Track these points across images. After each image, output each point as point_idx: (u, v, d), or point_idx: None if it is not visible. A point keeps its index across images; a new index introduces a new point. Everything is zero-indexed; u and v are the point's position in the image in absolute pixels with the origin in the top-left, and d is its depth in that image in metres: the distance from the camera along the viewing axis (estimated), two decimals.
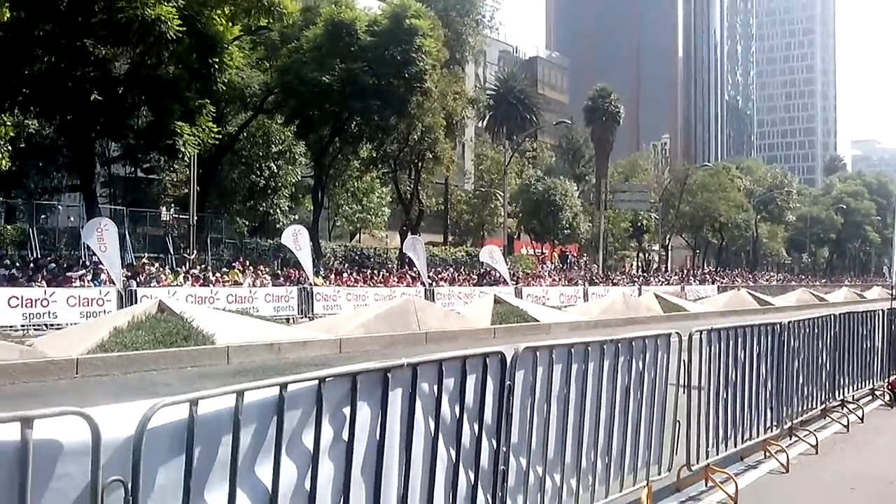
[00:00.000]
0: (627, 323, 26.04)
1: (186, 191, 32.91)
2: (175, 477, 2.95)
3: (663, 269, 71.25)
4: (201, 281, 25.62)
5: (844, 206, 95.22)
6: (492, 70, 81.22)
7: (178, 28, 22.29)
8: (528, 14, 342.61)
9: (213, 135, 26.59)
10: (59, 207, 35.49)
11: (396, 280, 33.34)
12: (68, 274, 23.13)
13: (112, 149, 33.36)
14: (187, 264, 28.57)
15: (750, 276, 73.62)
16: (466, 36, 52.83)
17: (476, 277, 39.17)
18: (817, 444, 8.77)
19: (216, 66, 25.32)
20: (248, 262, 31.19)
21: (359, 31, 32.60)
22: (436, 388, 4.16)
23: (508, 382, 4.65)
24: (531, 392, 4.91)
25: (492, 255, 35.98)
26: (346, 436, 3.64)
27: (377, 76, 32.46)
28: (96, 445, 2.63)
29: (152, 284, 23.59)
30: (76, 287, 21.65)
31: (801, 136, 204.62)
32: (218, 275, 27.24)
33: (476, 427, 4.47)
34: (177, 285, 24.15)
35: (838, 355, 10.07)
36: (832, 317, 9.98)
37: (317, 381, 3.47)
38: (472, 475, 4.46)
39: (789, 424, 8.69)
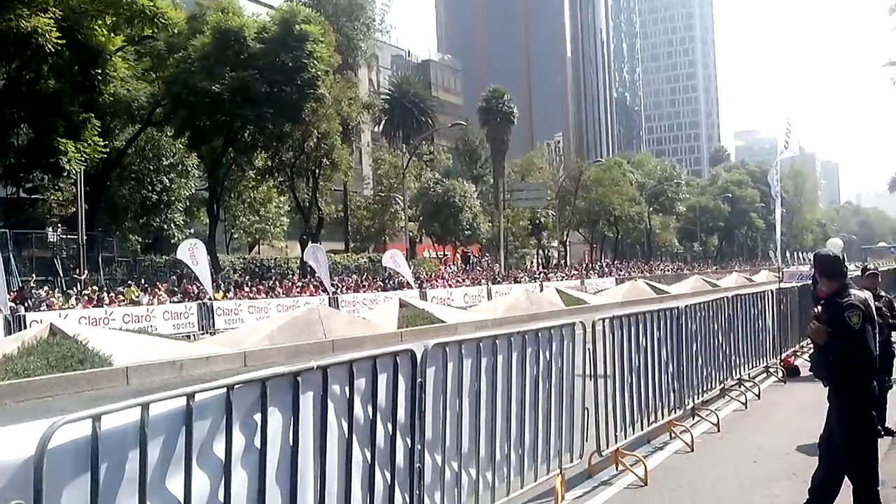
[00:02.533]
0: (531, 319, 26.42)
1: (74, 209, 31.62)
2: (81, 497, 2.82)
3: (563, 265, 72.65)
4: (94, 302, 24.69)
5: (730, 195, 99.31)
6: (385, 74, 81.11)
7: (56, 40, 21.50)
8: (419, 17, 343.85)
9: (99, 150, 25.72)
10: None
11: (299, 290, 32.91)
12: None
13: None
14: (78, 286, 27.48)
15: (646, 266, 75.77)
16: (357, 40, 52.73)
17: (381, 283, 39.05)
18: (718, 422, 9.12)
19: (99, 78, 24.55)
20: (143, 280, 30.22)
21: (248, 39, 32.04)
22: (347, 389, 4.13)
23: (420, 380, 4.65)
24: (443, 388, 4.93)
25: (394, 259, 35.94)
26: (258, 443, 3.57)
27: (269, 83, 31.96)
28: None
29: (42, 308, 22.58)
30: None
31: (687, 130, 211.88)
32: (112, 294, 26.30)
33: (390, 426, 4.46)
34: (68, 308, 23.19)
35: (733, 336, 10.49)
36: (725, 299, 10.40)
37: (225, 389, 3.39)
38: (388, 475, 4.44)
39: (692, 405, 9.00)
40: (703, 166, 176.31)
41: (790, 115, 15.15)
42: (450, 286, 41.18)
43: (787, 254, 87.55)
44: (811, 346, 7.38)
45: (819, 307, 5.66)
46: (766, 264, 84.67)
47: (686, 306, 8.83)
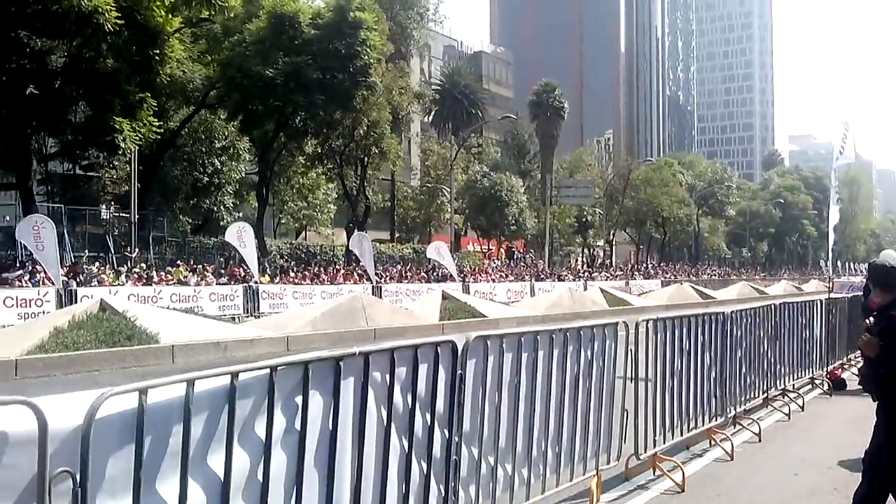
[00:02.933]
0: (574, 317, 26.28)
1: (127, 188, 32.26)
2: (125, 468, 2.88)
3: (608, 264, 72.10)
4: (144, 280, 25.15)
5: (782, 201, 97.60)
6: (437, 65, 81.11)
7: (116, 19, 21.85)
8: (472, 8, 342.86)
9: (154, 130, 26.12)
10: None
11: (343, 277, 33.17)
12: (4, 275, 22.50)
13: (49, 145, 32.49)
14: (129, 263, 28.01)
15: (692, 270, 74.93)
16: (411, 29, 52.80)
17: (424, 274, 39.15)
18: (760, 432, 8.97)
19: (156, 59, 24.90)
20: (191, 261, 30.71)
21: (302, 24, 32.27)
22: (388, 377, 4.15)
23: (460, 371, 4.65)
24: (482, 381, 4.93)
25: (439, 251, 36.01)
26: (298, 425, 3.61)
27: (322, 70, 32.17)
28: (43, 435, 2.56)
29: (93, 284, 23.08)
30: (13, 288, 21.05)
31: (741, 132, 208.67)
32: (162, 274, 26.76)
33: (428, 416, 4.47)
34: (118, 285, 23.67)
35: (779, 345, 10.31)
36: (772, 307, 10.21)
37: (268, 370, 3.43)
38: (424, 465, 4.45)
39: (733, 413, 8.87)
40: (756, 170, 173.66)
41: (847, 120, 14.74)
42: (493, 281, 41.17)
43: (839, 264, 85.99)
44: (859, 358, 7.24)
45: (870, 318, 5.52)
46: (816, 273, 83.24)
47: (732, 312, 8.70)
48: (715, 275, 75.41)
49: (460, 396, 4.67)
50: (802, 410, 10.68)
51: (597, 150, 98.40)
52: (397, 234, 56.13)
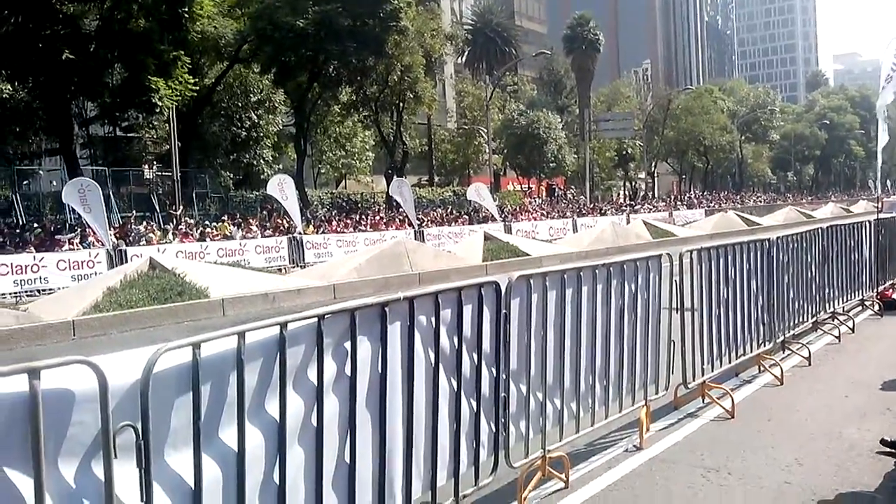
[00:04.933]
0: (618, 252, 26.11)
1: (168, 147, 32.55)
2: (185, 419, 3.00)
3: (650, 197, 71.33)
4: (190, 237, 25.54)
5: (828, 122, 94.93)
6: (467, 4, 79.86)
7: None
8: None
9: (189, 87, 26.25)
10: (41, 172, 35.09)
11: (385, 224, 33.29)
12: (56, 237, 23.00)
13: (89, 109, 32.86)
14: (174, 221, 28.43)
15: (737, 197, 73.84)
16: None
17: (465, 216, 39.15)
18: (810, 356, 8.93)
19: (187, 16, 24.87)
20: (236, 215, 31.06)
21: None
22: (433, 319, 4.22)
23: (504, 311, 4.70)
24: (527, 319, 4.98)
25: (479, 192, 35.89)
26: (348, 371, 3.70)
27: (352, 17, 31.88)
28: (104, 392, 2.66)
29: (141, 243, 23.48)
30: (65, 251, 21.53)
31: (783, 54, 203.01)
32: (207, 230, 27.14)
33: (475, 356, 4.54)
34: (166, 242, 24.06)
35: (827, 268, 10.19)
36: (819, 230, 10.06)
37: (316, 319, 3.51)
38: (473, 404, 4.54)
39: (782, 338, 8.83)
40: (800, 92, 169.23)
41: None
42: (534, 219, 41.01)
43: (889, 183, 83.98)
44: None
45: None
46: (864, 194, 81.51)
47: (778, 238, 8.59)
48: (760, 201, 74.25)
49: (506, 335, 4.73)
50: (853, 332, 10.59)
51: (634, 81, 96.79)
52: (436, 178, 56.03)
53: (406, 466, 4.05)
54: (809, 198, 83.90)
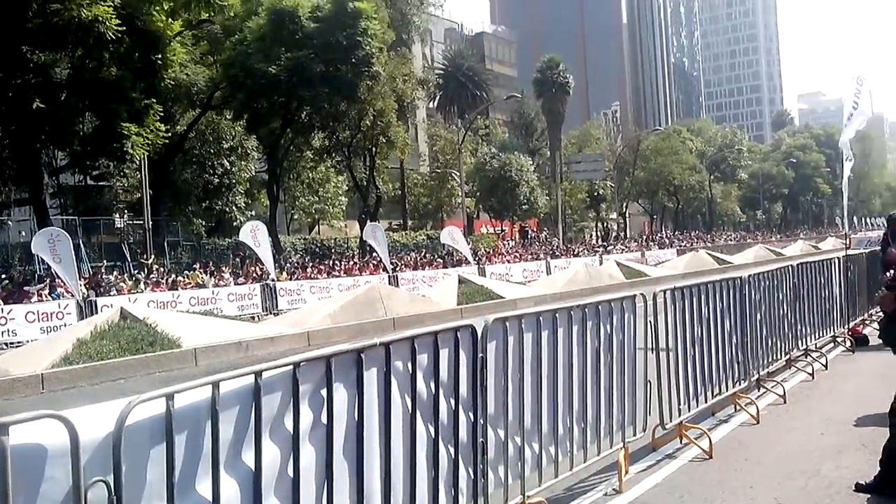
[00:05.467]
0: (592, 293, 26.26)
1: (139, 195, 32.41)
2: (159, 473, 2.94)
3: (623, 237, 71.88)
4: (162, 286, 25.31)
5: (794, 161, 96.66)
6: (438, 49, 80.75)
7: (117, 27, 21.92)
8: None
9: (161, 135, 26.20)
10: (10, 223, 34.74)
11: (359, 269, 33.22)
12: (25, 289, 22.69)
13: (59, 157, 32.68)
14: (146, 270, 28.19)
15: (707, 236, 74.58)
16: (411, 16, 52.61)
17: (439, 260, 39.18)
18: (785, 393, 8.97)
19: (159, 64, 24.94)
20: (208, 263, 30.86)
21: (302, 18, 32.20)
22: (410, 365, 4.19)
23: (481, 355, 4.69)
24: (504, 363, 4.96)
25: (452, 236, 35.98)
26: (324, 419, 3.66)
27: (324, 63, 32.12)
28: (75, 447, 2.61)
29: (112, 293, 23.22)
30: (34, 302, 21.23)
31: (748, 94, 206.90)
32: (179, 278, 26.92)
33: (452, 401, 4.51)
34: (137, 292, 23.82)
35: (799, 305, 10.29)
36: (790, 268, 10.19)
37: (291, 367, 3.47)
38: (452, 449, 4.50)
39: (757, 376, 8.87)
40: (766, 131, 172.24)
41: (860, 74, 14.50)
42: (508, 262, 41.12)
43: (855, 219, 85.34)
44: (880, 313, 7.21)
45: (889, 272, 5.50)
46: (832, 231, 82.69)
47: (749, 276, 8.68)
48: (731, 240, 75.03)
49: (483, 379, 4.71)
50: (826, 369, 10.67)
51: (604, 123, 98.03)
52: (410, 222, 56.16)
53: None
54: (779, 235, 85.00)
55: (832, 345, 12.19)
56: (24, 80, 23.49)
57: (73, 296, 21.08)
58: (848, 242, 18.17)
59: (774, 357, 9.46)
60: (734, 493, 5.90)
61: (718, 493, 5.90)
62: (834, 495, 5.70)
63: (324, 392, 3.66)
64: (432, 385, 4.36)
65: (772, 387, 9.22)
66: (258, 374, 3.30)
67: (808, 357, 10.65)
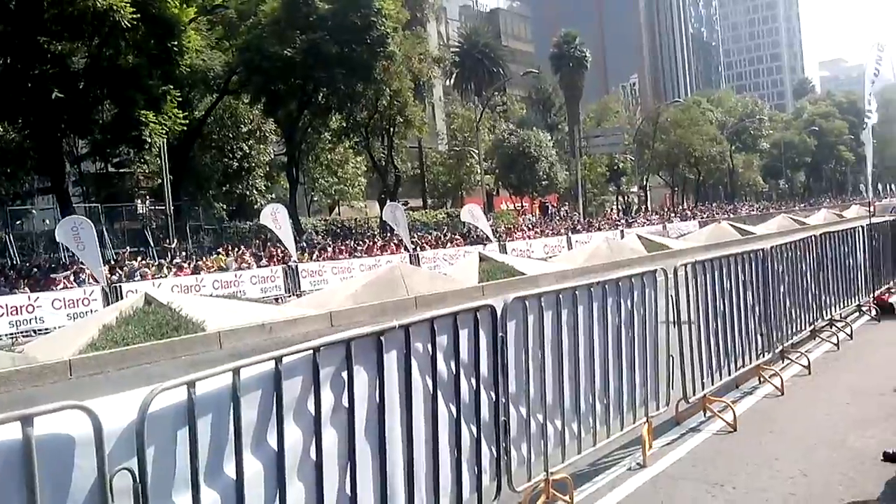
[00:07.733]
0: (613, 267, 26.14)
1: (160, 181, 32.58)
2: (183, 459, 2.97)
3: (644, 210, 71.39)
4: (185, 270, 25.49)
5: (817, 129, 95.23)
6: (454, 27, 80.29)
7: (132, 15, 21.93)
8: None
9: (179, 121, 26.27)
10: (34, 212, 35.09)
11: (380, 249, 33.25)
12: (51, 276, 22.94)
13: (80, 146, 32.88)
14: (169, 255, 28.38)
15: (729, 207, 73.93)
16: None
17: (460, 238, 39.14)
18: (809, 364, 8.91)
19: (175, 50, 24.95)
20: (229, 246, 31.02)
21: (316, 0, 32.10)
22: (430, 346, 4.20)
23: (501, 334, 4.69)
24: (524, 341, 4.96)
25: (472, 213, 35.92)
26: (346, 402, 3.68)
27: (339, 44, 32.03)
28: (99, 436, 2.64)
29: (136, 279, 23.41)
30: (60, 290, 21.46)
31: (769, 63, 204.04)
32: (202, 262, 27.09)
33: (473, 381, 4.52)
34: (161, 277, 23.99)
35: (823, 275, 10.20)
36: (813, 238, 10.08)
37: (311, 351, 3.49)
38: (474, 429, 4.51)
39: (781, 348, 8.82)
40: (787, 100, 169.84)
41: (881, 41, 14.24)
42: (529, 238, 41.00)
43: (879, 186, 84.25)
44: None
45: None
46: (856, 199, 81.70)
47: (772, 247, 8.60)
48: (753, 210, 74.29)
49: (503, 358, 4.71)
50: (851, 339, 10.59)
51: (623, 96, 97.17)
52: (429, 201, 56.09)
53: (408, 496, 4.02)
54: (802, 205, 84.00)
55: (857, 314, 12.10)
56: (42, 70, 23.60)
57: (98, 282, 21.29)
58: (872, 210, 17.96)
59: (799, 328, 9.39)
60: (759, 465, 5.89)
61: (743, 466, 5.89)
62: (860, 466, 5.67)
63: (344, 375, 3.68)
64: (453, 365, 4.36)
65: (796, 358, 9.17)
66: (278, 359, 3.32)
67: (833, 327, 10.57)
